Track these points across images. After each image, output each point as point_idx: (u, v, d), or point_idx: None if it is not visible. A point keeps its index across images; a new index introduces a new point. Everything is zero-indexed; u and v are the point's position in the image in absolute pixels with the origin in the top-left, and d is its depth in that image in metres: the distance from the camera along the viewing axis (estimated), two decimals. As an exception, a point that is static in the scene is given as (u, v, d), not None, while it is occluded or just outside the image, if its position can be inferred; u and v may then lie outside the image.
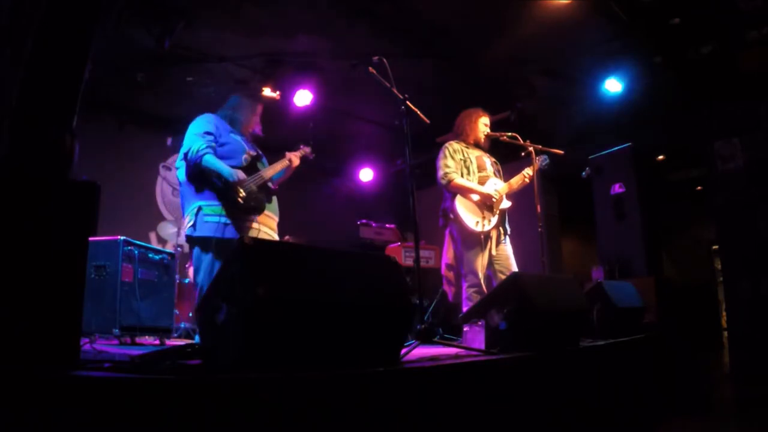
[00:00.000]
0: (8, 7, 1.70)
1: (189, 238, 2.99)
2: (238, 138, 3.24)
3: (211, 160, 2.98)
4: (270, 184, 3.24)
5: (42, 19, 1.69)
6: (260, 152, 3.30)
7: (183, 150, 3.05)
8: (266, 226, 3.15)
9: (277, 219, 3.28)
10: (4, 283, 1.26)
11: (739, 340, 3.72)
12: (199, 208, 2.97)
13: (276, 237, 3.24)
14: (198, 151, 2.97)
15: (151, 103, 6.43)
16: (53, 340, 1.31)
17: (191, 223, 2.96)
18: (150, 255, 3.98)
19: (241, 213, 2.97)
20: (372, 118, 6.58)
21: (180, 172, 3.10)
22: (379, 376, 1.47)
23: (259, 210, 3.06)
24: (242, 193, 2.97)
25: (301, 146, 3.54)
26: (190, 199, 3.02)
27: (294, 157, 3.42)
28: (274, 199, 3.29)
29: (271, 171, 3.25)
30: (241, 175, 3.01)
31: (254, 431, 1.16)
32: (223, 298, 1.40)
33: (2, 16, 1.71)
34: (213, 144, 3.06)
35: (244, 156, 3.12)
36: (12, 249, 1.28)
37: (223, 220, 2.93)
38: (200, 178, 3.00)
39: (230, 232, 2.92)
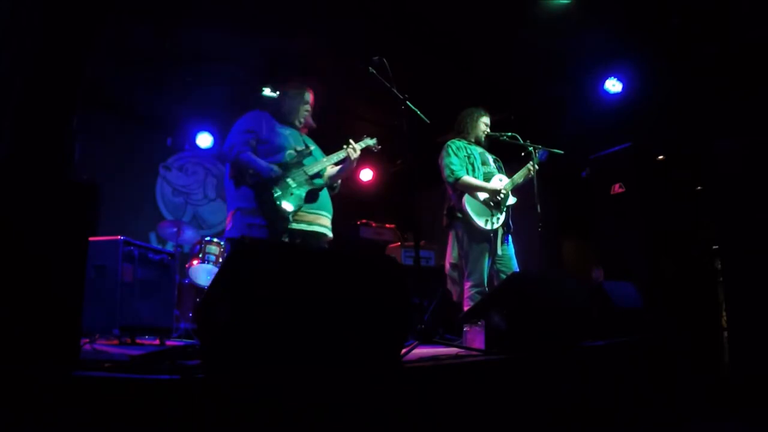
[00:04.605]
0: (8, 8, 1.70)
1: (228, 240, 3.00)
2: (287, 132, 3.13)
3: (246, 158, 2.92)
4: (321, 180, 3.11)
5: (42, 19, 1.70)
6: (310, 147, 3.16)
7: (222, 151, 3.04)
8: (315, 223, 3.05)
9: (328, 215, 3.15)
10: (5, 283, 1.26)
11: (739, 340, 3.71)
12: (237, 210, 2.94)
13: (329, 234, 3.12)
14: (233, 149, 2.94)
15: (151, 103, 6.43)
16: (53, 340, 1.31)
17: (230, 225, 2.95)
18: (150, 255, 3.98)
19: (277, 212, 2.89)
20: (372, 118, 6.58)
21: (225, 171, 3.10)
22: (379, 376, 1.47)
23: (290, 208, 2.94)
24: (277, 192, 2.89)
25: (365, 136, 3.34)
26: (231, 200, 3.01)
27: (352, 150, 3.21)
28: (324, 195, 3.15)
29: (318, 165, 3.10)
30: (277, 171, 2.92)
31: (254, 431, 1.16)
32: (223, 298, 1.40)
33: (2, 16, 1.71)
34: (252, 141, 3.00)
35: (288, 152, 3.01)
36: (12, 249, 1.28)
37: (259, 221, 2.87)
38: (238, 176, 2.96)
39: (270, 234, 2.87)
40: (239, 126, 3.06)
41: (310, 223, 3.02)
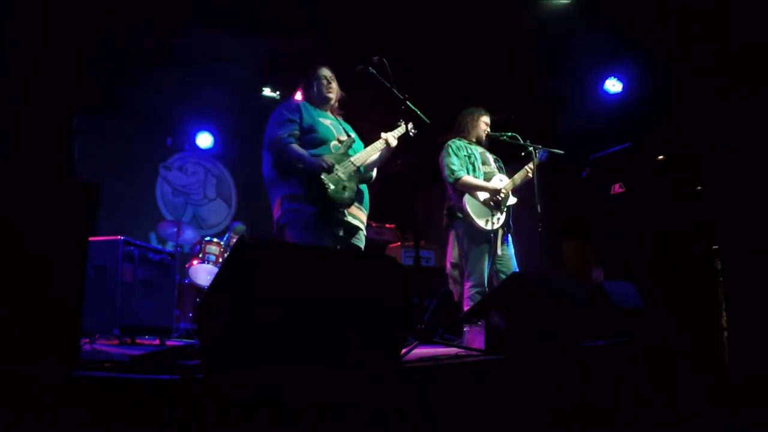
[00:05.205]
0: (8, 8, 1.70)
1: (280, 225, 2.78)
2: (328, 122, 2.97)
3: (293, 152, 2.74)
4: (365, 171, 2.95)
5: (42, 19, 1.70)
6: (351, 135, 3.00)
7: (264, 139, 2.83)
8: (357, 219, 2.89)
9: (366, 212, 2.98)
10: (5, 283, 1.26)
11: (739, 340, 3.71)
12: (283, 198, 2.77)
13: (364, 231, 2.97)
14: (280, 140, 2.75)
15: (151, 103, 6.44)
16: (53, 340, 1.31)
17: (278, 215, 2.79)
18: (150, 255, 3.98)
19: (328, 203, 2.72)
20: (372, 118, 6.59)
21: (265, 160, 2.88)
22: (379, 376, 1.47)
23: (348, 201, 2.78)
24: (330, 186, 2.70)
25: (402, 121, 3.10)
26: (275, 190, 2.84)
27: (391, 138, 3.03)
28: (365, 189, 3.00)
29: (362, 156, 2.92)
30: (329, 161, 2.74)
31: (254, 431, 1.16)
32: (223, 298, 1.40)
33: (2, 16, 1.71)
34: (296, 132, 2.81)
35: (333, 143, 2.85)
36: (12, 249, 1.28)
37: (309, 209, 2.71)
38: (284, 167, 2.78)
39: (317, 223, 2.71)
40: (279, 116, 2.87)
41: (354, 217, 2.89)
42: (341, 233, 2.83)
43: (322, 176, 2.69)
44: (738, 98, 4.89)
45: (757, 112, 4.59)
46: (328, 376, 1.34)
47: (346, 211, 2.82)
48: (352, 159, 2.88)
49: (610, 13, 4.72)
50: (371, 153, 2.99)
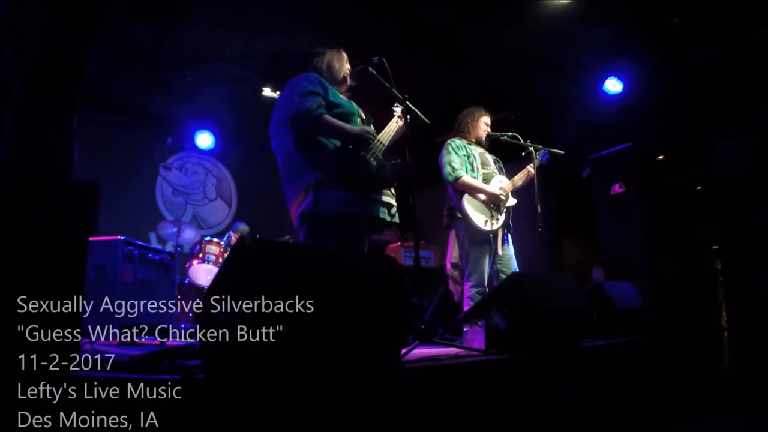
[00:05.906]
0: (8, 7, 1.70)
1: (308, 215, 2.42)
2: (345, 98, 2.72)
3: (330, 122, 2.46)
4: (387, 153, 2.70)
5: (42, 19, 1.70)
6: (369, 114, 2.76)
7: (286, 114, 2.49)
8: (393, 198, 2.67)
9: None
10: (4, 283, 1.26)
11: (739, 340, 3.72)
12: (318, 182, 2.42)
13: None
14: (311, 112, 2.42)
15: (151, 103, 6.44)
16: (53, 339, 1.31)
17: (310, 198, 2.41)
18: (150, 255, 3.99)
19: (368, 186, 2.50)
20: (371, 118, 6.59)
21: (280, 142, 2.56)
22: (379, 376, 1.47)
23: (391, 181, 2.57)
24: (373, 164, 2.47)
25: (397, 105, 2.86)
26: (301, 177, 2.49)
27: (401, 116, 2.83)
28: None
29: (386, 135, 2.71)
30: (371, 132, 2.51)
31: (254, 431, 1.16)
32: (223, 299, 1.40)
33: (2, 16, 1.71)
34: (323, 104, 2.50)
35: (358, 120, 2.63)
36: (12, 249, 1.28)
37: (350, 195, 2.43)
38: (316, 145, 2.47)
39: (358, 208, 2.47)
40: (301, 89, 2.53)
41: (390, 196, 2.69)
42: (381, 213, 2.58)
43: (363, 153, 2.45)
44: (738, 98, 4.89)
45: (757, 112, 4.59)
46: (328, 376, 1.34)
47: (389, 194, 2.61)
48: (380, 137, 2.64)
49: (610, 13, 4.71)
50: (390, 133, 2.79)
